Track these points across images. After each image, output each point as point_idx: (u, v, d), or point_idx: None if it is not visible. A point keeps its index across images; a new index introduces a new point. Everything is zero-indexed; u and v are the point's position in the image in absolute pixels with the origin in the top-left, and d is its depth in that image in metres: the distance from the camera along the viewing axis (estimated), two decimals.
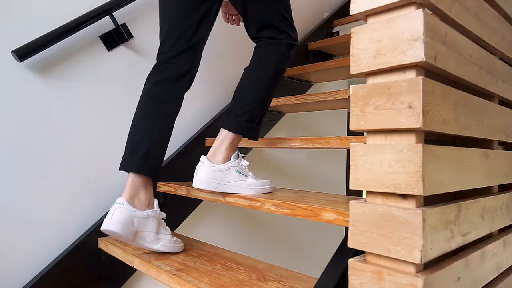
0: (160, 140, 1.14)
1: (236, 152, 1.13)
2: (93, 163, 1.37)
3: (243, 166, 1.13)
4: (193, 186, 1.10)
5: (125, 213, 1.03)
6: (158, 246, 1.11)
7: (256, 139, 1.20)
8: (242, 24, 1.27)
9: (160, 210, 1.13)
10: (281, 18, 1.17)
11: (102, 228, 1.03)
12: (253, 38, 1.21)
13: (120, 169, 1.11)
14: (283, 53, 1.17)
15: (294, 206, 0.93)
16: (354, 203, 0.65)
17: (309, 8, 2.23)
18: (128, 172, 1.10)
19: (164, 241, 1.12)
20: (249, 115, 1.13)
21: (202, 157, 1.11)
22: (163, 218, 1.15)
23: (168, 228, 1.16)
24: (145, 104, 1.15)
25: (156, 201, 1.12)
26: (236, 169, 1.11)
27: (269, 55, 1.17)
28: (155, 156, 1.12)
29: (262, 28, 1.17)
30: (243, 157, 1.16)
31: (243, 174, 1.11)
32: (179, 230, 1.53)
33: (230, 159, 1.11)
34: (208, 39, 1.26)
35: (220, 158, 1.10)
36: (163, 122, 1.15)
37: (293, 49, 1.19)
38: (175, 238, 1.18)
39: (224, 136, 1.13)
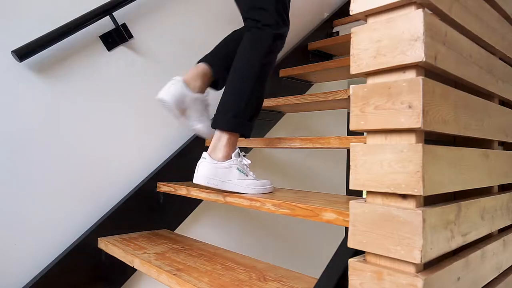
0: (228, 57, 1.26)
1: (237, 150, 1.13)
2: (93, 163, 1.37)
3: (245, 165, 1.13)
4: (194, 181, 1.10)
5: (180, 89, 1.18)
6: (200, 126, 1.26)
7: (248, 136, 1.18)
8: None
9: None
10: (273, 7, 1.15)
11: (158, 96, 1.17)
12: (244, 19, 1.22)
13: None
14: (268, 44, 1.15)
15: (294, 206, 0.93)
16: (354, 203, 0.65)
17: (309, 8, 2.23)
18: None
19: (206, 123, 1.27)
20: (234, 111, 1.12)
21: (204, 153, 1.11)
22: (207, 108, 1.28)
23: (210, 118, 1.26)
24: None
25: (207, 90, 1.27)
26: (237, 168, 1.11)
27: (253, 47, 1.15)
28: (218, 65, 1.27)
29: (251, 8, 1.17)
30: (244, 156, 1.16)
31: (244, 173, 1.11)
32: (179, 230, 1.53)
33: (231, 157, 1.11)
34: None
35: (221, 155, 1.10)
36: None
37: (279, 41, 1.18)
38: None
39: (219, 134, 1.13)
